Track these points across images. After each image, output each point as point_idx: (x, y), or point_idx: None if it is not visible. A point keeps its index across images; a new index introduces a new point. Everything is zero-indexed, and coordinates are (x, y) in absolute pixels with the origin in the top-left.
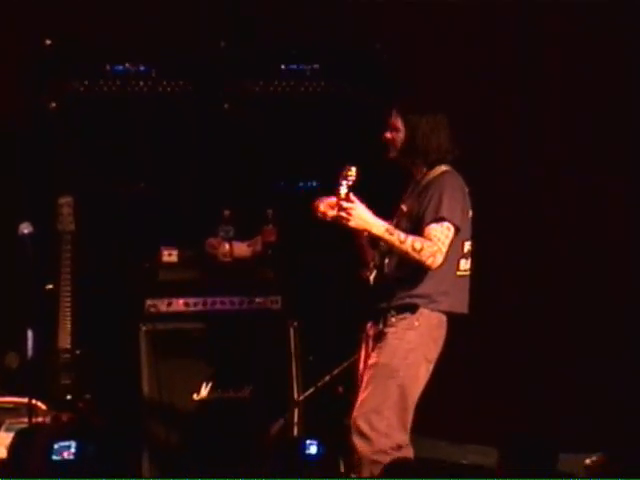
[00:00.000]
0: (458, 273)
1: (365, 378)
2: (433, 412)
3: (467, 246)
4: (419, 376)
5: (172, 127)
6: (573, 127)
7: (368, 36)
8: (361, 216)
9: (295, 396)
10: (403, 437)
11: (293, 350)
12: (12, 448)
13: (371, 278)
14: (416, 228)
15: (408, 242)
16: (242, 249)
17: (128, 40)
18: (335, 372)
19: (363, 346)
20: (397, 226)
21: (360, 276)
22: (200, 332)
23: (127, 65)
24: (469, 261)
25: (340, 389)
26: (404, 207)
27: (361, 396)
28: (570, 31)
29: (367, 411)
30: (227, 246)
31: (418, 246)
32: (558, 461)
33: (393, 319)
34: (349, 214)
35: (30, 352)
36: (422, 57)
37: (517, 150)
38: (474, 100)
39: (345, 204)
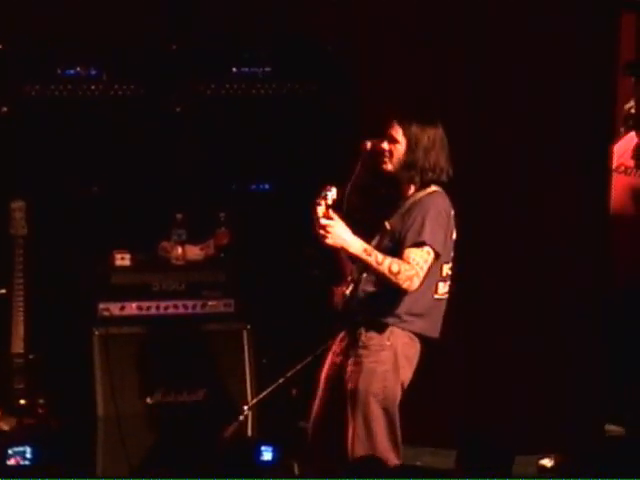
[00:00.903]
0: (435, 296)
1: (351, 402)
2: None
3: (446, 269)
4: (397, 396)
5: (124, 130)
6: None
7: (319, 34)
8: (339, 235)
9: (249, 399)
10: (396, 458)
11: (247, 353)
12: None
13: (347, 292)
14: (397, 248)
15: (385, 264)
16: (195, 252)
17: (79, 43)
18: (289, 374)
19: (330, 353)
20: (380, 243)
21: (337, 289)
22: (153, 336)
23: (78, 69)
24: (447, 284)
25: (294, 391)
26: (388, 225)
27: (353, 424)
28: None
29: (366, 443)
30: (180, 249)
31: (395, 269)
32: (514, 462)
33: (364, 337)
34: (327, 232)
35: None
36: (374, 50)
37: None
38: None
39: (324, 221)
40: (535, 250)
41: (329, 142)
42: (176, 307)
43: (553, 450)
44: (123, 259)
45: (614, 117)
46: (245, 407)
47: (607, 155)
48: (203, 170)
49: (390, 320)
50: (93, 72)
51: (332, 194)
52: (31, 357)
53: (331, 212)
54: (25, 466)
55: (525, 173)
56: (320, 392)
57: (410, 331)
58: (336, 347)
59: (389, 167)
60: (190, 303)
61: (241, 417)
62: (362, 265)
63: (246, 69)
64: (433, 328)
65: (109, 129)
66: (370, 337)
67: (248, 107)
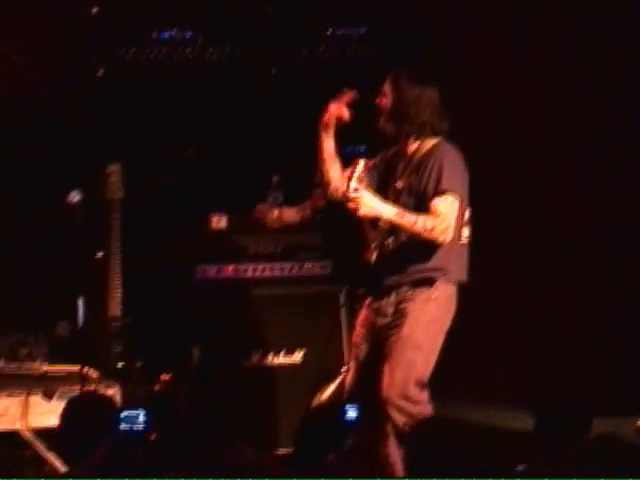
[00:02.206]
0: (460, 242)
1: (390, 351)
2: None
3: (467, 214)
4: (437, 348)
5: (220, 94)
6: None
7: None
8: (369, 204)
9: (345, 361)
10: (427, 403)
11: (343, 315)
12: (65, 416)
13: (372, 258)
14: (419, 203)
15: (419, 223)
16: (291, 215)
17: (174, 7)
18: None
19: (360, 319)
20: (399, 203)
21: (362, 257)
22: (250, 298)
23: (173, 32)
24: (469, 228)
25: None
26: (399, 184)
27: (389, 370)
28: None
29: (399, 388)
30: (276, 212)
31: (429, 225)
32: (591, 426)
33: (409, 293)
34: (357, 204)
35: (81, 321)
36: (462, 26)
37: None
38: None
39: (353, 195)
40: None
41: None
42: (272, 270)
43: None
44: (219, 222)
45: None
46: (343, 369)
47: None
48: (299, 133)
49: (434, 274)
50: (188, 35)
51: (360, 167)
52: (128, 320)
53: (357, 184)
54: (138, 431)
55: None
56: (354, 358)
57: (451, 282)
58: (365, 313)
59: (382, 123)
60: (286, 266)
61: (338, 380)
62: (387, 230)
63: (341, 31)
64: (464, 273)
65: (205, 92)
66: (416, 292)
67: (343, 70)
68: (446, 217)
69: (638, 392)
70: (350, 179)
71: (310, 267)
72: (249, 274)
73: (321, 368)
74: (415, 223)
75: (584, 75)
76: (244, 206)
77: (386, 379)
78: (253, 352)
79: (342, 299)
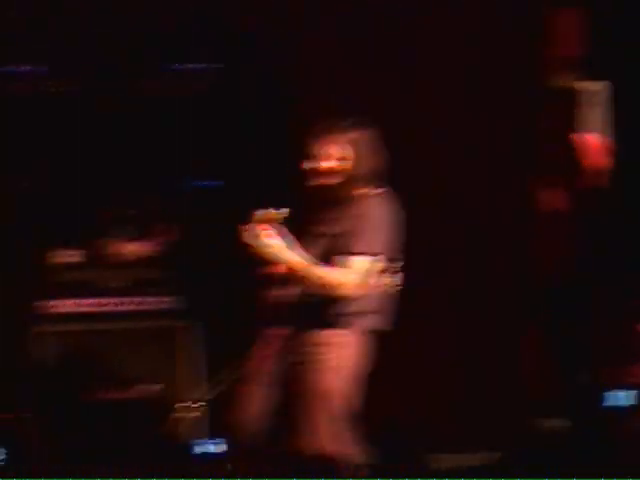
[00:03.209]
0: (386, 290)
1: (304, 399)
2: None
3: (392, 265)
4: (351, 395)
5: (66, 125)
6: None
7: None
8: (278, 255)
9: (194, 396)
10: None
11: (192, 349)
12: None
13: (288, 292)
14: (336, 252)
15: (328, 277)
16: (137, 248)
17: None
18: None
19: (265, 351)
20: (319, 248)
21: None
22: (92, 333)
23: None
24: (396, 278)
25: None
26: (324, 229)
27: (314, 426)
28: None
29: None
30: (122, 246)
31: (336, 280)
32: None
33: (323, 335)
34: (267, 249)
35: None
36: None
37: None
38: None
39: (267, 241)
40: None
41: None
42: (115, 304)
43: None
44: (65, 256)
45: None
46: (188, 403)
47: None
48: (148, 166)
49: (349, 319)
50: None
51: (281, 217)
52: None
53: (272, 232)
54: None
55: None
56: (257, 387)
57: (370, 328)
58: (272, 345)
59: (332, 183)
60: (133, 300)
61: (182, 412)
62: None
63: (179, 66)
64: (387, 321)
65: (47, 124)
66: (330, 334)
67: (186, 104)
68: (358, 274)
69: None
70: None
71: (156, 301)
72: (94, 309)
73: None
74: (322, 277)
75: None
76: (88, 240)
77: (314, 434)
78: (96, 387)
79: (188, 333)
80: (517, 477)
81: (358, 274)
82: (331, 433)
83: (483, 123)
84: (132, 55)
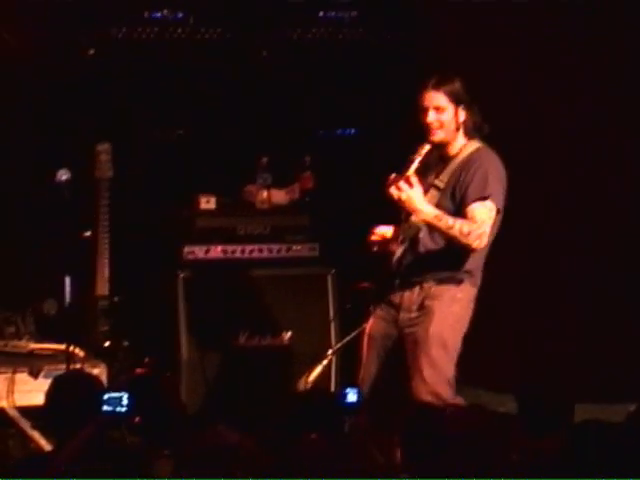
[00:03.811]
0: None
1: (416, 348)
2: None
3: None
4: (459, 347)
5: (210, 74)
6: None
7: None
8: (412, 201)
9: (333, 344)
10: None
11: (330, 297)
12: (50, 395)
13: (398, 251)
14: (456, 204)
15: (456, 227)
16: (280, 196)
17: None
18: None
19: (378, 311)
20: (431, 202)
21: (387, 249)
22: (238, 279)
23: (165, 12)
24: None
25: None
26: (439, 183)
27: (417, 369)
28: None
29: (429, 386)
30: (265, 193)
31: (465, 230)
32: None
33: (434, 290)
34: (401, 193)
35: (68, 299)
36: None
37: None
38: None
39: (402, 185)
40: None
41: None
42: (261, 251)
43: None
44: (208, 202)
45: None
46: (329, 351)
47: None
48: (288, 114)
49: (462, 275)
50: (180, 15)
51: (423, 153)
52: (116, 300)
53: (412, 178)
54: (121, 413)
55: None
56: (369, 350)
57: (475, 285)
58: (387, 303)
59: (441, 136)
60: (275, 247)
61: (325, 361)
62: (417, 224)
63: (332, 14)
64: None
65: (195, 73)
66: (442, 290)
67: (334, 52)
68: (483, 223)
69: (619, 378)
70: (412, 161)
71: (298, 249)
72: (237, 255)
73: (308, 351)
74: (452, 227)
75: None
76: (233, 187)
77: (416, 377)
78: (240, 333)
79: (330, 282)
80: None
81: (482, 223)
82: (445, 380)
83: None
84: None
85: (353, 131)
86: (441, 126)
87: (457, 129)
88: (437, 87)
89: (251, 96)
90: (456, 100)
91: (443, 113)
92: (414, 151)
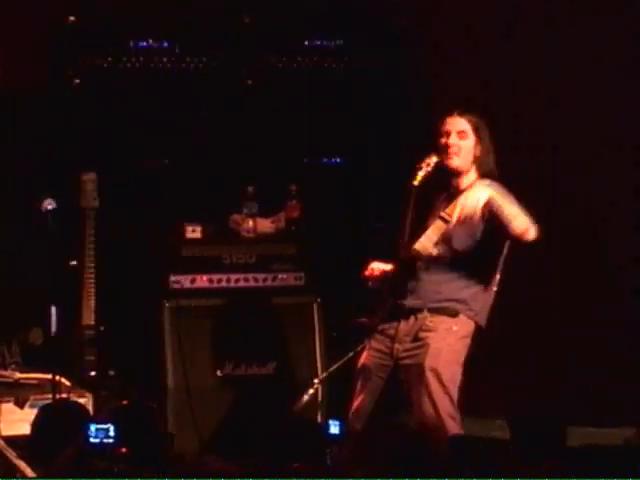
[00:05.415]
0: (490, 288)
1: (412, 380)
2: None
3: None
4: (459, 377)
5: (195, 103)
6: None
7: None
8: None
9: (319, 372)
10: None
11: (317, 326)
12: (36, 424)
13: (397, 280)
14: (469, 231)
15: (521, 217)
16: (266, 225)
17: (151, 16)
18: (359, 349)
19: (372, 342)
20: (437, 233)
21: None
22: (224, 308)
23: (150, 41)
24: (499, 276)
25: None
26: (446, 215)
27: (417, 400)
28: None
29: (429, 418)
30: (250, 222)
31: (526, 224)
32: (566, 435)
33: (429, 321)
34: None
35: (54, 328)
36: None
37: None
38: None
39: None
40: None
41: (399, 118)
42: (247, 280)
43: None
44: (194, 231)
45: None
46: (315, 380)
47: None
48: (274, 143)
49: (459, 307)
50: (165, 44)
51: (431, 163)
52: (102, 329)
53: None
54: (108, 444)
55: None
56: (364, 382)
57: (473, 320)
58: (377, 340)
59: (457, 162)
60: (261, 276)
61: (311, 390)
62: (419, 257)
63: (318, 42)
64: (485, 318)
65: (180, 101)
66: (437, 322)
67: (320, 80)
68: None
69: (612, 402)
70: (416, 172)
71: (284, 278)
72: (223, 284)
73: (294, 380)
74: (513, 215)
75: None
76: (219, 216)
77: (415, 410)
78: (226, 362)
79: (316, 310)
80: None
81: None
82: (445, 413)
83: None
84: (265, 33)
85: (339, 160)
86: (459, 151)
87: (473, 162)
88: (463, 114)
89: (237, 125)
90: (478, 132)
91: (465, 139)
92: (420, 159)
